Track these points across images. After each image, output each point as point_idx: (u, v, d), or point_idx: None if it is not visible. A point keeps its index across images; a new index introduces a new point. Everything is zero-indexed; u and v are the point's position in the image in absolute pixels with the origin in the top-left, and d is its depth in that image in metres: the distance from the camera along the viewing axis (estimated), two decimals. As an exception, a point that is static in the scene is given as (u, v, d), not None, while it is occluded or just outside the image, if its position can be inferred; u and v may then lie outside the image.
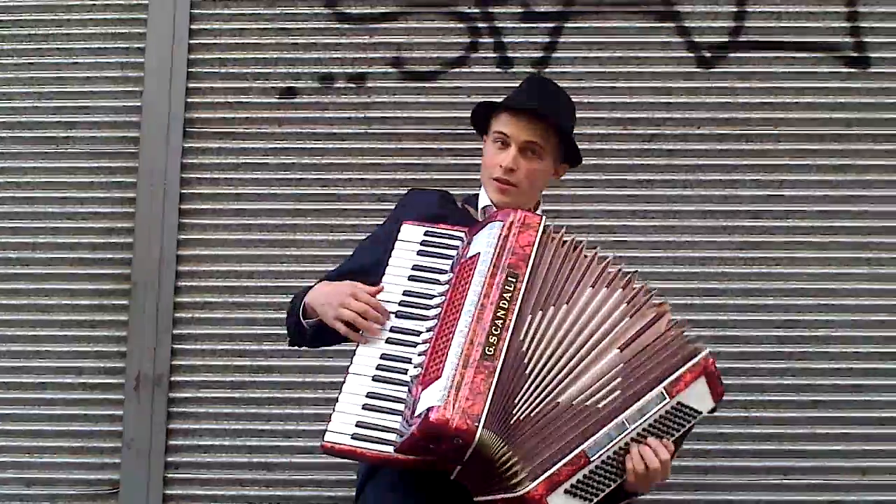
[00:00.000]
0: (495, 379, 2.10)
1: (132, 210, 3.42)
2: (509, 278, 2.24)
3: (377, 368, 2.27)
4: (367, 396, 2.24)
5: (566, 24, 3.44)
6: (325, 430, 2.19)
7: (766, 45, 3.43)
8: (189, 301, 3.38)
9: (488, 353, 2.15)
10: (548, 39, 3.47)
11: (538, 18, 3.44)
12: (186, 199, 3.44)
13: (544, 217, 2.31)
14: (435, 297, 2.32)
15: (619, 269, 2.30)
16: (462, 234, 2.39)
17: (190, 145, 3.46)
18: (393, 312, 2.34)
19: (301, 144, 3.45)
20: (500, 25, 3.45)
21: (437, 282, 2.34)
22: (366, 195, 3.38)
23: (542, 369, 2.18)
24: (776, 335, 3.23)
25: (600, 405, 2.15)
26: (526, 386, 2.16)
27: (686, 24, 3.43)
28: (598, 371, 2.18)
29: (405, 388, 2.23)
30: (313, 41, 3.51)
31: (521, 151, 2.44)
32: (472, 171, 3.26)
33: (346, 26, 3.49)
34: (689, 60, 3.42)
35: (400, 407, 2.21)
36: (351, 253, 2.61)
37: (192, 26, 3.48)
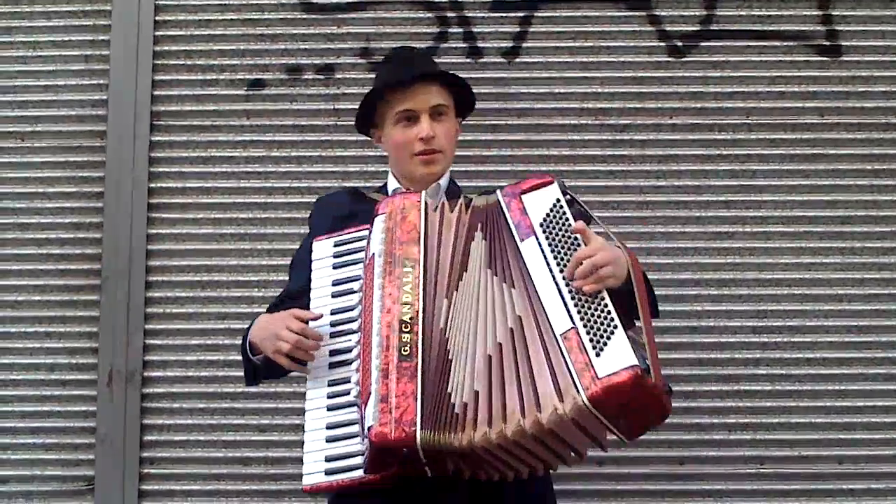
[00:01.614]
0: (418, 378, 2.11)
1: (100, 204, 3.42)
2: (405, 269, 2.23)
3: (328, 397, 2.29)
4: (327, 429, 2.26)
5: (536, 14, 3.44)
6: (302, 474, 2.22)
7: (737, 34, 3.44)
8: (160, 296, 3.39)
9: (404, 353, 2.15)
10: (518, 29, 3.47)
11: (508, 8, 3.44)
12: (155, 192, 3.43)
13: (423, 194, 2.31)
14: (356, 306, 2.32)
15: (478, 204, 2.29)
16: (367, 231, 2.38)
17: (157, 138, 3.46)
18: (328, 334, 2.34)
19: (270, 137, 3.46)
20: (470, 15, 3.45)
21: (356, 291, 2.34)
22: (336, 187, 3.34)
23: (468, 335, 2.17)
24: (750, 325, 3.25)
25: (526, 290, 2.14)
26: (453, 369, 2.15)
27: (657, 13, 3.43)
28: (510, 277, 2.17)
29: (356, 408, 2.24)
30: (280, 32, 3.50)
31: (431, 117, 2.45)
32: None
33: (314, 17, 3.49)
34: (661, 50, 3.43)
35: (357, 429, 2.22)
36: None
37: (158, 17, 3.47)
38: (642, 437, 3.10)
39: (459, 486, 2.21)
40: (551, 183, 2.24)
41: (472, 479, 2.20)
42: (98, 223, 3.42)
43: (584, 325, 2.07)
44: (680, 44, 3.44)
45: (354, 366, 2.24)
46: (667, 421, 3.09)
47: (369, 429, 2.10)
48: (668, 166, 3.33)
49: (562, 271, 2.12)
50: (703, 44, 3.44)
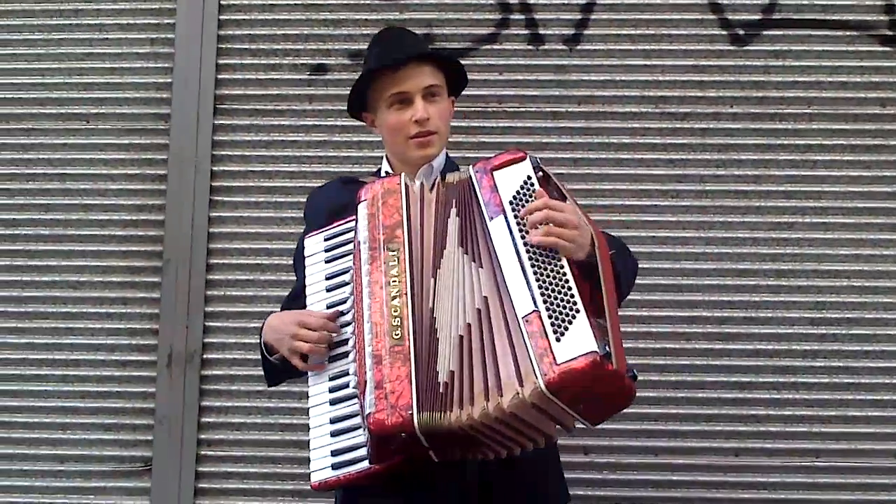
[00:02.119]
0: (412, 361, 2.10)
1: (163, 187, 3.44)
2: (391, 253, 2.22)
3: (330, 391, 2.28)
4: (331, 423, 2.25)
5: (598, 1, 3.43)
6: (310, 472, 2.22)
7: (800, 24, 3.41)
8: (221, 278, 3.41)
9: (395, 336, 2.15)
10: (579, 16, 3.46)
11: None
12: (217, 176, 3.46)
13: (403, 175, 2.29)
14: (350, 297, 2.31)
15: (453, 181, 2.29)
16: (353, 221, 2.36)
17: (221, 122, 3.48)
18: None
19: (332, 122, 3.45)
20: (532, 2, 3.45)
21: (347, 283, 2.33)
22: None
23: (454, 311, 2.18)
24: (808, 317, 3.22)
25: (495, 276, 2.12)
26: (440, 349, 2.15)
27: (719, 2, 3.40)
28: (485, 260, 2.16)
29: (357, 400, 2.23)
30: (344, 17, 3.50)
31: (424, 98, 2.42)
32: (503, 148, 3.24)
33: (377, 2, 3.49)
34: (723, 38, 3.41)
35: (360, 420, 2.21)
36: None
37: (222, 2, 3.49)
38: (697, 428, 3.16)
39: (469, 474, 2.23)
40: (523, 159, 2.22)
41: (481, 469, 2.22)
42: (160, 206, 3.45)
43: (547, 309, 2.05)
44: (742, 32, 3.41)
45: (351, 357, 2.24)
46: (722, 412, 3.14)
47: (367, 416, 2.10)
48: (728, 155, 3.31)
49: (528, 251, 2.10)
50: (764, 33, 3.41)
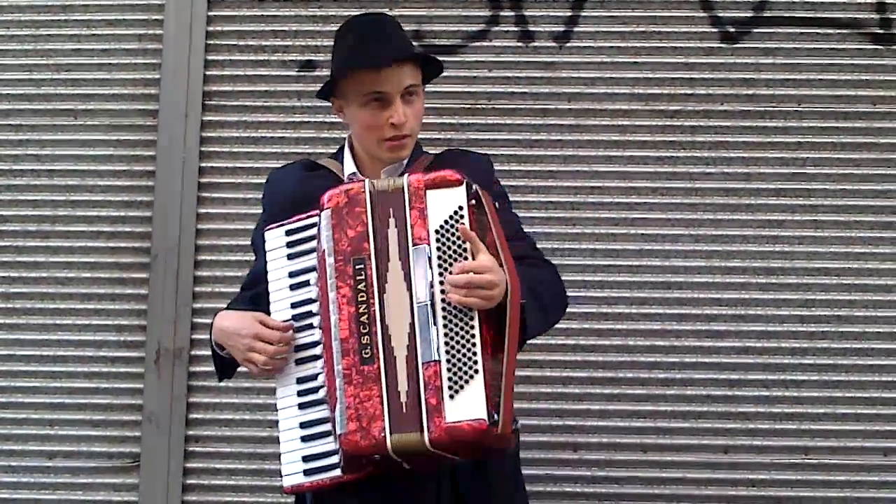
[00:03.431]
0: (383, 382, 2.09)
1: (151, 183, 3.44)
2: (357, 267, 2.17)
3: (298, 395, 2.25)
4: (301, 427, 2.23)
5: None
6: (282, 475, 2.21)
7: (790, 21, 3.41)
8: (209, 275, 3.41)
9: (366, 355, 2.12)
10: (569, 13, 3.46)
11: None
12: (206, 172, 3.45)
13: (366, 181, 2.21)
14: (315, 300, 2.27)
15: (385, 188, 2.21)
16: (316, 218, 2.30)
17: (209, 118, 3.48)
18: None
19: (321, 118, 3.45)
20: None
21: (311, 283, 2.28)
22: None
23: (399, 342, 2.15)
24: (798, 314, 3.24)
25: (409, 317, 2.12)
26: (400, 366, 2.13)
27: (709, 0, 3.41)
28: (403, 291, 2.15)
29: (326, 406, 2.21)
30: (332, 13, 3.48)
31: (403, 99, 2.34)
32: (491, 146, 3.31)
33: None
34: (713, 36, 3.41)
35: (330, 427, 2.19)
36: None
37: None
38: (687, 426, 3.17)
39: (441, 475, 2.23)
40: (459, 183, 2.16)
41: (453, 470, 2.23)
42: (149, 202, 3.45)
43: (448, 361, 2.07)
44: (732, 30, 3.42)
45: (320, 364, 2.22)
46: (712, 409, 3.18)
47: (340, 436, 2.10)
48: (718, 153, 3.33)
49: (442, 298, 2.10)
50: (755, 30, 3.42)
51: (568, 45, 3.44)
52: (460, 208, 2.12)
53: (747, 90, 3.38)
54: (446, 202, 2.13)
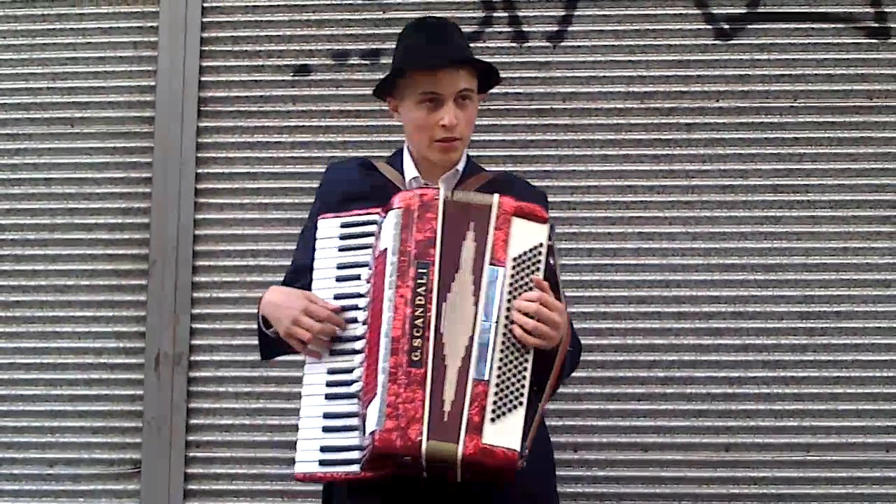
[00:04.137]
0: (427, 387, 2.11)
1: (148, 189, 3.47)
2: (420, 271, 2.20)
3: (327, 385, 2.26)
4: (324, 418, 2.24)
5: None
6: (295, 461, 2.21)
7: (784, 17, 3.44)
8: (207, 280, 3.43)
9: (414, 359, 2.14)
10: (563, 13, 3.49)
11: None
12: (202, 178, 3.48)
13: (442, 187, 2.27)
14: (363, 296, 2.28)
15: (472, 199, 2.26)
16: (377, 215, 2.34)
17: (205, 124, 3.50)
18: None
19: (316, 122, 3.48)
20: (515, 0, 3.50)
21: (361, 277, 2.30)
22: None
23: (453, 352, 2.18)
24: (797, 311, 3.25)
25: (468, 332, 2.16)
26: (447, 375, 2.16)
27: None
28: (468, 306, 2.18)
29: (357, 400, 2.22)
30: (327, 18, 3.53)
31: (456, 102, 2.39)
32: (486, 146, 3.36)
33: (360, 3, 3.52)
34: (707, 32, 3.44)
35: (355, 422, 2.21)
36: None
37: (205, 4, 3.53)
38: (687, 424, 3.21)
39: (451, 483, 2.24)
40: (545, 222, 2.22)
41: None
42: (146, 208, 3.48)
43: (497, 385, 2.11)
44: (726, 26, 3.44)
45: (358, 360, 2.22)
46: (712, 407, 3.21)
47: (373, 432, 2.11)
48: (714, 150, 3.35)
49: (506, 323, 2.14)
50: (749, 26, 3.44)
51: (562, 44, 3.46)
52: (540, 245, 2.18)
53: (743, 86, 3.40)
54: (529, 235, 2.19)
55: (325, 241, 2.34)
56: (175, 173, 3.49)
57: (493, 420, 2.08)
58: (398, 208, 2.25)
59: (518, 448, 2.06)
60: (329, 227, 2.34)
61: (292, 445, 3.15)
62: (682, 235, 3.32)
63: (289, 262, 3.22)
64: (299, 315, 2.24)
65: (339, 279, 2.29)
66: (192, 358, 3.42)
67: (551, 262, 2.22)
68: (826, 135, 3.35)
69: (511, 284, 2.16)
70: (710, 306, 3.23)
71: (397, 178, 2.51)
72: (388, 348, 2.14)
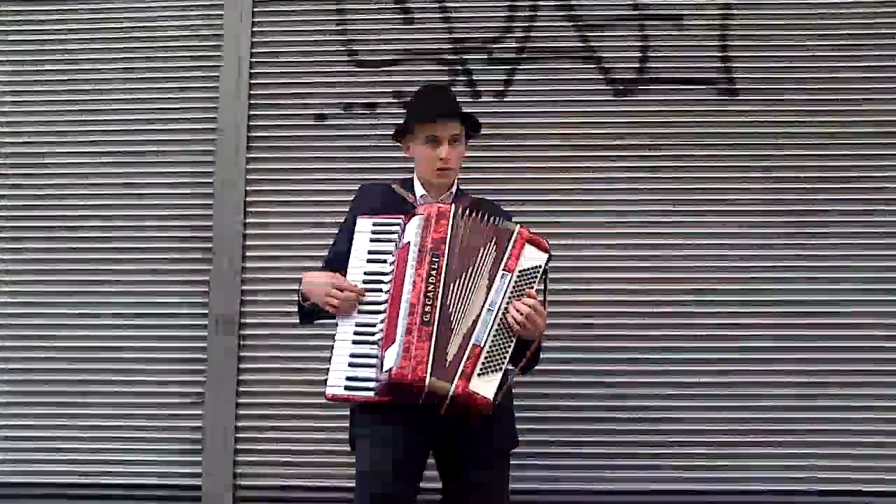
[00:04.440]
0: (433, 340, 2.44)
1: (211, 202, 3.95)
2: (433, 259, 2.53)
3: (354, 334, 2.58)
4: (350, 356, 2.55)
5: (519, 67, 3.98)
6: (326, 385, 2.54)
7: (663, 80, 3.93)
8: (253, 266, 3.92)
9: (425, 319, 2.45)
10: (505, 77, 3.99)
11: (499, 62, 3.99)
12: (250, 194, 3.97)
13: (453, 206, 2.61)
14: (386, 274, 2.59)
15: (496, 221, 2.63)
16: (400, 221, 2.67)
17: (252, 155, 3.99)
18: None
19: (331, 154, 3.96)
20: (472, 67, 3.99)
21: (386, 262, 2.62)
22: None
23: (458, 318, 2.53)
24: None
25: (476, 311, 2.53)
26: (451, 335, 2.50)
27: (604, 65, 3.96)
28: (479, 293, 2.56)
29: (376, 346, 2.53)
30: (339, 80, 4.02)
31: (449, 143, 2.79)
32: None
33: (363, 69, 4.03)
34: (608, 91, 3.94)
35: (374, 361, 2.52)
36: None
37: (252, 70, 4.04)
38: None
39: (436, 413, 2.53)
40: (546, 252, 2.59)
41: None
42: (209, 214, 3.98)
43: (488, 351, 2.47)
44: (621, 87, 3.95)
45: (380, 318, 2.54)
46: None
47: (390, 369, 2.41)
48: (612, 174, 3.86)
49: (504, 312, 2.49)
50: (638, 87, 3.95)
51: (505, 99, 3.97)
52: (539, 267, 2.58)
53: (632, 130, 3.90)
54: (534, 258, 2.58)
55: (361, 234, 2.70)
56: (230, 190, 3.95)
57: (479, 375, 2.42)
58: (421, 215, 2.61)
59: (491, 398, 2.43)
60: (365, 224, 2.71)
61: (314, 383, 3.61)
62: (587, 253, 3.79)
63: (311, 253, 3.71)
64: (329, 290, 2.61)
65: (368, 261, 2.64)
66: (241, 321, 3.88)
67: (546, 278, 2.60)
68: (688, 164, 3.87)
69: (514, 287, 2.53)
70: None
71: (410, 197, 2.87)
72: (407, 310, 2.47)
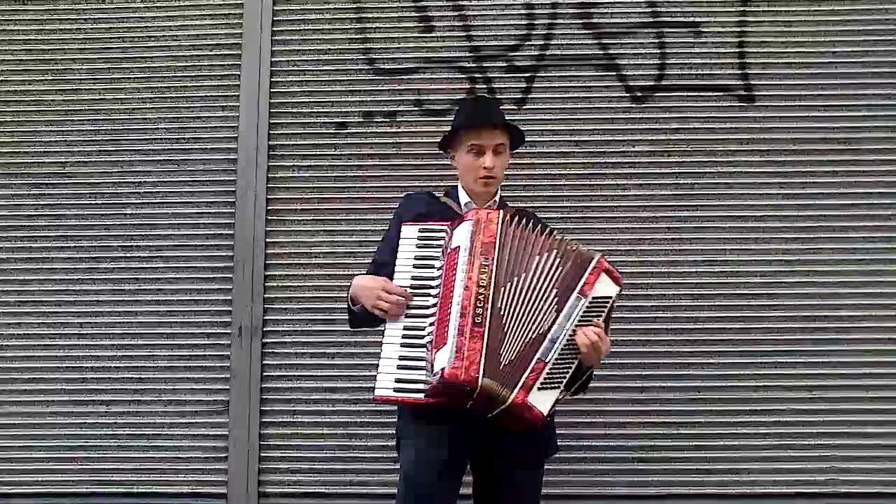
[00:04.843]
0: (485, 341, 2.48)
1: (233, 210, 3.97)
2: (483, 262, 2.56)
3: (402, 337, 2.62)
4: (399, 359, 2.59)
5: (538, 74, 4.00)
6: (375, 388, 2.58)
7: (680, 87, 3.96)
8: (275, 274, 3.94)
9: (477, 321, 2.48)
10: (524, 85, 3.99)
11: (518, 70, 4.00)
12: (271, 202, 3.98)
13: (501, 212, 2.65)
14: (435, 278, 2.63)
15: (553, 234, 2.66)
16: (446, 227, 2.70)
17: (273, 164, 4.00)
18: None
19: (350, 162, 3.97)
20: (491, 76, 4.00)
21: (433, 267, 2.65)
22: (398, 198, 3.35)
23: (513, 324, 2.54)
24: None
25: (545, 327, 2.56)
26: (505, 340, 2.52)
27: (623, 73, 3.99)
28: (545, 308, 2.59)
29: (424, 350, 2.57)
30: (359, 88, 4.03)
31: (493, 152, 2.83)
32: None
33: (383, 77, 4.05)
34: (626, 98, 3.96)
35: (423, 364, 2.55)
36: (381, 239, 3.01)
37: (273, 79, 4.06)
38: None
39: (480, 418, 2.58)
40: (618, 283, 2.65)
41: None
42: (231, 223, 3.99)
43: (551, 368, 2.53)
44: (640, 94, 3.97)
45: (429, 320, 2.57)
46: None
47: (442, 369, 2.44)
48: (630, 181, 3.91)
49: (572, 334, 2.54)
50: (656, 94, 3.97)
51: (525, 107, 3.97)
52: (609, 298, 2.63)
53: (651, 136, 3.93)
54: (607, 288, 2.63)
55: (407, 241, 2.74)
56: (252, 199, 3.96)
57: (539, 389, 2.47)
58: (470, 220, 2.65)
59: (546, 412, 2.49)
60: (410, 232, 2.75)
61: (335, 390, 3.79)
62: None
63: (333, 260, 3.95)
64: (380, 293, 2.65)
65: (415, 266, 2.67)
66: (265, 329, 3.90)
67: (611, 312, 2.64)
68: (706, 170, 3.90)
69: (585, 312, 2.58)
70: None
71: (455, 205, 2.91)
72: (459, 312, 2.50)
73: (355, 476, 3.89)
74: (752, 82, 4.01)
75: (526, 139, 3.08)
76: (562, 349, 2.54)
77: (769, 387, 3.89)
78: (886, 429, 3.85)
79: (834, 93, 4.00)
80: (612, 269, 2.64)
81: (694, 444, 3.86)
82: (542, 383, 2.50)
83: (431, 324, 2.56)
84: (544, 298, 2.57)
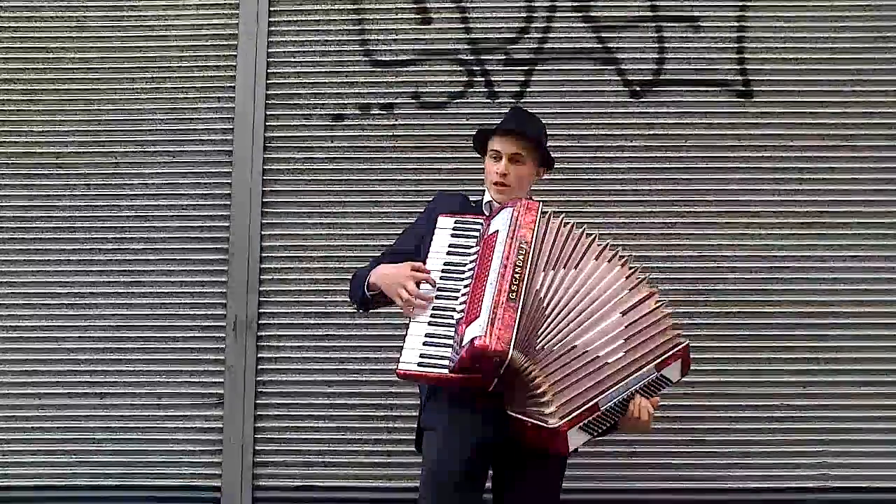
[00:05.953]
0: (518, 315, 2.47)
1: (228, 203, 4.00)
2: (521, 245, 2.58)
3: (430, 317, 2.64)
4: (425, 336, 2.59)
5: (536, 68, 4.03)
6: (399, 361, 2.57)
7: (679, 82, 4.00)
8: (271, 267, 3.96)
9: (511, 297, 2.48)
10: (523, 78, 4.03)
11: (516, 63, 4.04)
12: (267, 194, 4.00)
13: (541, 203, 2.71)
14: (467, 264, 2.66)
15: (617, 252, 2.71)
16: (482, 220, 2.77)
17: (269, 156, 4.02)
18: (438, 279, 2.69)
19: (347, 155, 3.99)
20: (489, 69, 4.03)
21: (467, 254, 2.69)
22: (394, 190, 3.97)
23: (558, 313, 2.55)
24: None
25: (610, 360, 2.54)
26: (545, 323, 2.53)
27: (622, 67, 4.02)
28: (605, 327, 2.58)
29: (452, 330, 2.57)
30: (355, 80, 4.06)
31: (510, 161, 2.83)
32: (467, 176, 3.83)
33: (380, 69, 4.07)
34: (625, 93, 4.00)
35: (449, 342, 2.56)
36: (400, 232, 3.07)
37: (269, 70, 4.07)
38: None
39: (496, 404, 2.58)
40: (684, 372, 2.70)
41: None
42: (227, 216, 4.01)
43: (600, 415, 2.56)
44: (638, 88, 4.00)
45: (460, 300, 2.60)
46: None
47: (473, 338, 2.43)
48: (628, 175, 3.93)
49: (632, 395, 2.58)
50: (654, 89, 4.00)
51: (522, 100, 3.97)
52: (671, 382, 2.69)
53: (648, 131, 3.96)
54: (675, 373, 2.68)
55: (442, 230, 2.79)
56: (247, 191, 3.99)
57: (580, 428, 2.51)
58: (511, 207, 2.69)
59: (571, 450, 2.53)
60: (446, 222, 2.80)
61: (329, 383, 3.81)
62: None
63: (329, 254, 3.94)
64: (405, 281, 2.65)
65: (448, 253, 2.72)
66: (259, 322, 3.93)
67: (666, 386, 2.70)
68: (704, 166, 3.94)
69: (649, 383, 2.62)
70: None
71: (480, 201, 2.96)
72: (495, 288, 2.51)
73: (349, 470, 3.92)
74: (751, 77, 4.03)
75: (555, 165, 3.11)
76: (616, 404, 2.57)
77: (762, 382, 3.91)
78: (878, 424, 3.88)
79: (832, 89, 4.03)
80: (688, 360, 2.68)
81: (687, 438, 3.87)
82: (584, 424, 2.52)
83: (463, 303, 2.58)
84: (603, 315, 2.59)
